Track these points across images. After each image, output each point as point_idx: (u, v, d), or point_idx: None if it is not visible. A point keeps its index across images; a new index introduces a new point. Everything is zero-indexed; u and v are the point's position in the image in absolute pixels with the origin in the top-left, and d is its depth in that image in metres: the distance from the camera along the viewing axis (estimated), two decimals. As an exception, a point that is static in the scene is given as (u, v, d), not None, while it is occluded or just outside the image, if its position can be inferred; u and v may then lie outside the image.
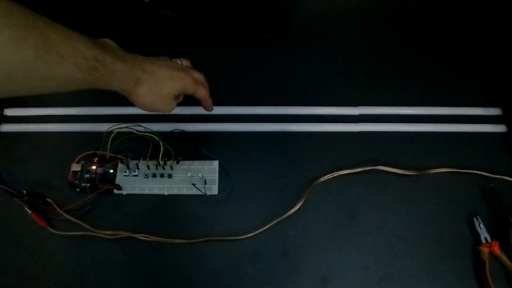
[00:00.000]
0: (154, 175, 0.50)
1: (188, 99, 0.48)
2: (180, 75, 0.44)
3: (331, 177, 0.50)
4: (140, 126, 0.51)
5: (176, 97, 0.45)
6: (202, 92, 0.47)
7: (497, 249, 0.45)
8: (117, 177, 0.50)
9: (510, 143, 0.53)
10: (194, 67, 0.48)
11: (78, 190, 0.49)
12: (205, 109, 0.51)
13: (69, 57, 0.33)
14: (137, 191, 0.50)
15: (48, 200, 0.48)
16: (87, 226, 0.47)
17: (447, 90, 0.57)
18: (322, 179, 0.50)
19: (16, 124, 0.55)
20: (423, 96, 0.57)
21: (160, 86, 0.42)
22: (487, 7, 0.64)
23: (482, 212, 0.48)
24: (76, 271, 0.46)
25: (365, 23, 0.64)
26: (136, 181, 0.50)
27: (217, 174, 0.50)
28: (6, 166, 0.52)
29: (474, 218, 0.47)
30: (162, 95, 0.43)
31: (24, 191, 0.48)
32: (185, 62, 0.48)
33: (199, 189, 0.49)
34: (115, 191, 0.49)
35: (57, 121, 0.55)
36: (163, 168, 0.50)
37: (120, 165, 0.50)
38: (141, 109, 0.44)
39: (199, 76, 0.48)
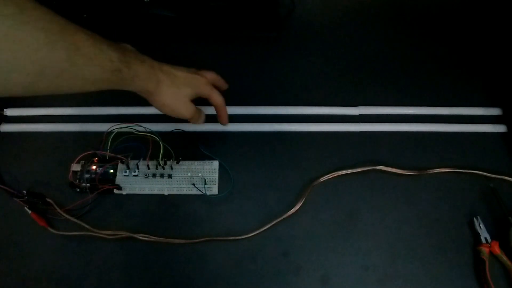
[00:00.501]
0: (154, 175, 0.50)
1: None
2: (196, 77, 0.46)
3: (331, 177, 0.50)
4: (140, 126, 0.51)
5: (192, 100, 0.46)
6: (217, 97, 0.48)
7: (497, 249, 0.45)
8: (117, 177, 0.50)
9: (510, 143, 0.53)
10: (194, 67, 0.48)
11: (78, 190, 0.49)
12: (221, 120, 0.51)
13: (96, 59, 0.35)
14: (137, 191, 0.50)
15: (48, 200, 0.48)
16: (87, 226, 0.47)
17: (447, 90, 0.57)
18: (322, 179, 0.50)
19: (16, 124, 0.55)
20: (423, 96, 0.57)
21: (178, 87, 0.44)
22: (487, 7, 0.64)
23: (482, 212, 0.48)
24: (76, 271, 0.46)
25: (365, 23, 0.64)
26: (136, 181, 0.50)
27: (217, 174, 0.50)
28: (6, 166, 0.52)
29: (474, 218, 0.47)
30: (180, 96, 0.45)
31: (24, 191, 0.48)
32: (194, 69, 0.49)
33: (199, 189, 0.49)
34: (115, 191, 0.49)
35: (57, 121, 0.55)
36: (163, 168, 0.50)
37: (120, 165, 0.50)
38: (161, 110, 0.46)
39: (213, 76, 0.49)
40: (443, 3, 0.65)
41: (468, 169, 0.51)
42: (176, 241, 0.47)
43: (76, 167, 0.50)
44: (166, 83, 0.43)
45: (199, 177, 0.50)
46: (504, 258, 0.45)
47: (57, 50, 0.32)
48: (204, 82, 0.46)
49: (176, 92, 0.44)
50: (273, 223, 0.48)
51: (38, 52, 0.30)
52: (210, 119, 0.55)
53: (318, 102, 0.56)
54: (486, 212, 0.49)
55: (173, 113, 0.46)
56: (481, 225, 0.47)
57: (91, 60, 0.35)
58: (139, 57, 0.41)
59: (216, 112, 0.50)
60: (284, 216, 0.48)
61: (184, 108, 0.46)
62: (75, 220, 0.47)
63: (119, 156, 0.50)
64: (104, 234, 0.47)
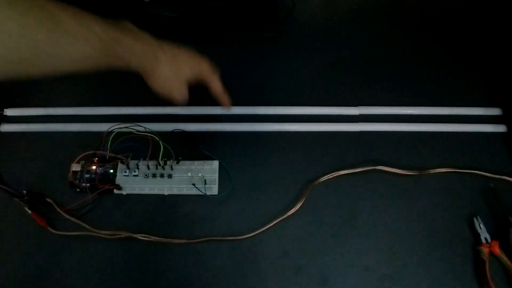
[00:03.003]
0: (154, 175, 0.50)
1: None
2: (198, 59, 0.44)
3: (331, 177, 0.50)
4: (140, 126, 0.51)
5: (189, 83, 0.44)
6: (217, 83, 0.46)
7: (497, 249, 0.45)
8: (117, 177, 0.50)
9: (510, 143, 0.53)
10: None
11: (78, 190, 0.49)
12: (223, 104, 0.49)
13: (83, 38, 0.34)
14: (137, 191, 0.50)
15: (48, 200, 0.48)
16: (87, 226, 0.47)
17: (447, 90, 0.57)
18: (322, 179, 0.50)
19: (16, 124, 0.55)
20: (423, 96, 0.57)
21: (179, 67, 0.42)
22: (487, 7, 0.64)
23: (482, 212, 0.48)
24: (76, 271, 0.46)
25: (365, 23, 0.64)
26: (136, 181, 0.50)
27: (217, 174, 0.50)
28: (6, 166, 0.52)
29: (474, 218, 0.47)
30: (179, 77, 0.43)
31: (24, 191, 0.48)
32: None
33: (199, 189, 0.49)
34: (115, 191, 0.49)
35: (57, 121, 0.55)
36: (163, 168, 0.50)
37: (120, 165, 0.50)
38: (157, 91, 0.43)
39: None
40: (443, 3, 0.65)
41: (468, 169, 0.51)
42: (176, 241, 0.47)
43: (76, 167, 0.50)
44: (168, 64, 0.41)
45: (199, 177, 0.50)
46: (504, 258, 0.45)
47: (36, 33, 0.31)
48: (207, 66, 0.44)
49: (176, 73, 0.42)
50: (273, 223, 0.48)
51: (12, 38, 0.29)
52: (211, 119, 0.55)
53: (318, 102, 0.56)
54: (486, 212, 0.49)
55: (167, 95, 0.44)
56: (481, 225, 0.47)
57: (77, 40, 0.33)
58: (136, 35, 0.39)
59: (216, 98, 0.48)
60: (284, 216, 0.48)
61: (179, 92, 0.44)
62: (75, 220, 0.47)
63: (119, 156, 0.50)
64: (104, 234, 0.47)
